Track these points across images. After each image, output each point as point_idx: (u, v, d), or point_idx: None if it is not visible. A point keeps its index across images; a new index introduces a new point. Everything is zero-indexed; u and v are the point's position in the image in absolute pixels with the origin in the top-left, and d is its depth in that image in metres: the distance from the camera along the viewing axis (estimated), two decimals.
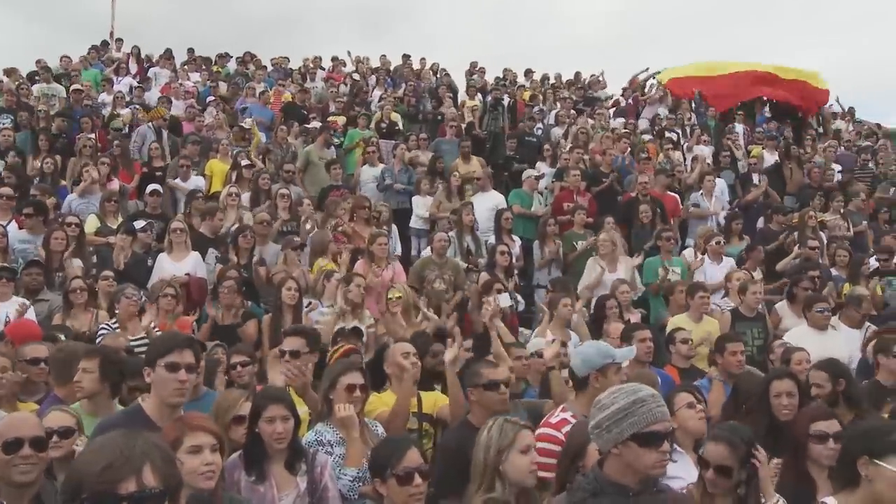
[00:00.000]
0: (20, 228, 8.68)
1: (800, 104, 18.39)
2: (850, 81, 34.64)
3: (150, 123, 13.27)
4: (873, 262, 9.92)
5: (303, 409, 4.59)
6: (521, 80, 19.95)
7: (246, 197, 10.65)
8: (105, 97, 15.24)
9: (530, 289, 10.46)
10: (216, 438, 3.27)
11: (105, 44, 19.60)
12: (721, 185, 12.69)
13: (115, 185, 10.63)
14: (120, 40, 19.77)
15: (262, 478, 3.82)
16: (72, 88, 14.26)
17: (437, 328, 7.29)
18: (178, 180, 11.35)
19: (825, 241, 11.00)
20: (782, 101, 18.42)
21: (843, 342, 7.46)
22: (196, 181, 11.40)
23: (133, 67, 17.95)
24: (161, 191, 10.56)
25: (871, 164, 16.07)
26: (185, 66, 18.49)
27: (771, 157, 14.75)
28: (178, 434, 3.18)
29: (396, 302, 7.44)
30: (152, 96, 15.69)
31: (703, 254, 9.92)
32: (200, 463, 3.15)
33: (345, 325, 7.07)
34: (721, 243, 9.93)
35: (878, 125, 19.72)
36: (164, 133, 13.10)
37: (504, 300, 7.20)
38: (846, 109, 20.08)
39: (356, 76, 18.78)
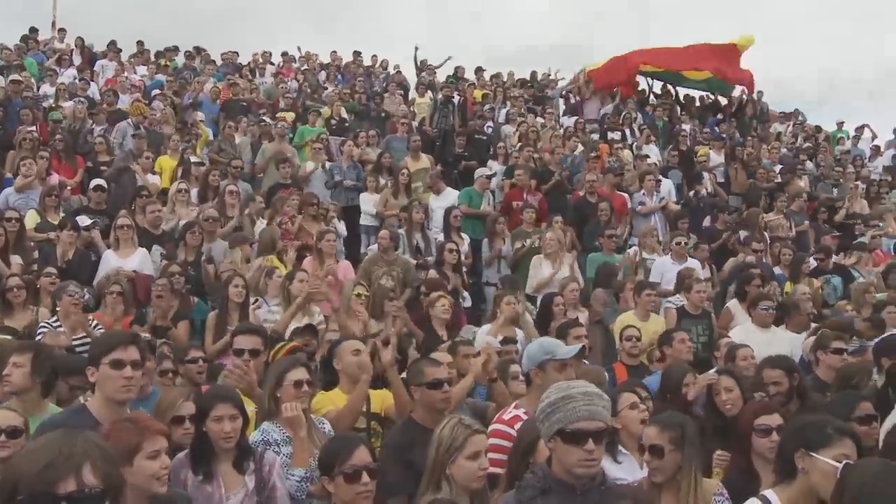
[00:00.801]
0: None
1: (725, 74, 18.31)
2: (788, 85, 35.22)
3: (129, 120, 12.95)
4: (812, 262, 10.17)
5: (251, 408, 4.53)
6: (469, 76, 19.68)
7: (194, 193, 10.50)
8: (48, 89, 14.83)
9: (479, 286, 10.48)
10: (168, 440, 3.26)
11: (34, 30, 18.89)
12: (668, 184, 12.85)
13: (55, 179, 10.36)
14: (63, 30, 19.21)
15: (209, 477, 3.77)
16: (10, 79, 13.82)
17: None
18: (148, 175, 11.16)
19: (768, 241, 11.23)
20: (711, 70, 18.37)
21: (788, 339, 7.60)
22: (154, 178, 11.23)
23: (77, 59, 17.49)
24: (105, 186, 10.28)
25: (809, 165, 16.49)
26: (132, 59, 18.10)
27: (718, 158, 15.02)
28: (139, 439, 3.12)
29: (362, 300, 7.38)
30: (95, 89, 15.35)
31: (666, 252, 9.99)
32: (160, 467, 3.13)
33: (298, 324, 6.98)
34: (682, 244, 9.83)
35: (818, 128, 20.20)
36: (143, 129, 12.74)
37: (493, 342, 6.85)
38: (792, 111, 20.52)
39: (305, 69, 18.65)
